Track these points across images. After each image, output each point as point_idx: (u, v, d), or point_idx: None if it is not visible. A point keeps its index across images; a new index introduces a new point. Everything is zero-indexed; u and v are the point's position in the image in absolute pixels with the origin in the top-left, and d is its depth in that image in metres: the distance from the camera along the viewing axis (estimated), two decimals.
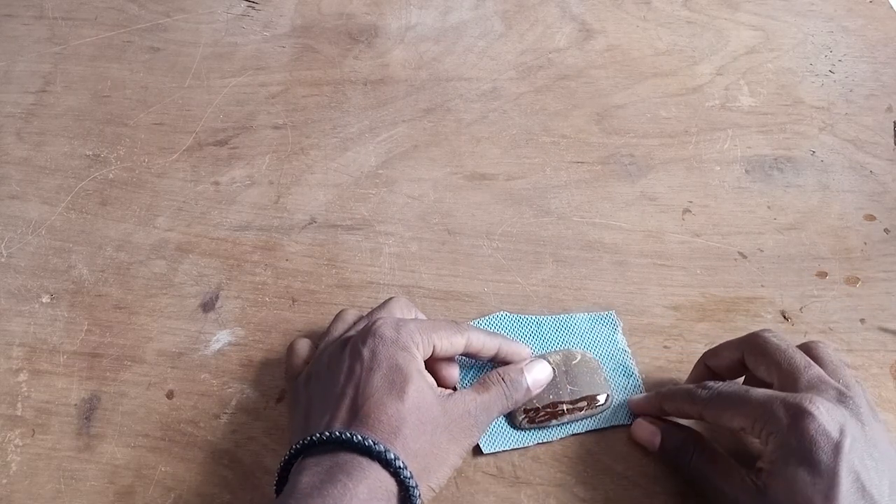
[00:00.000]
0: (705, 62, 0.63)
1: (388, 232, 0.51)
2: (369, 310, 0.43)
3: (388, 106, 0.59)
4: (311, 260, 0.50)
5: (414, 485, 0.34)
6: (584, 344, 0.45)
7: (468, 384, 0.43)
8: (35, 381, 0.45)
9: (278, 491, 0.36)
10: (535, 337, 0.45)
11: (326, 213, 0.52)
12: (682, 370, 0.44)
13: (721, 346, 0.41)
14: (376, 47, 0.64)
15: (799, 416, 0.33)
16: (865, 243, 0.51)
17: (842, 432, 0.33)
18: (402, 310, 0.42)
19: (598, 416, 0.42)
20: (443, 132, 0.58)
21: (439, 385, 0.40)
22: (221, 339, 0.46)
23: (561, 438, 0.42)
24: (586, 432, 0.42)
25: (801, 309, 0.47)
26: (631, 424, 0.42)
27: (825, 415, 0.33)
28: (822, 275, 0.49)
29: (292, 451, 0.35)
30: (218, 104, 0.59)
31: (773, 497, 0.33)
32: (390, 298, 0.43)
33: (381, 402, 0.35)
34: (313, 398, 0.38)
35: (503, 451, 0.41)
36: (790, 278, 0.49)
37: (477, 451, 0.41)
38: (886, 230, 0.52)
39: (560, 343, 0.45)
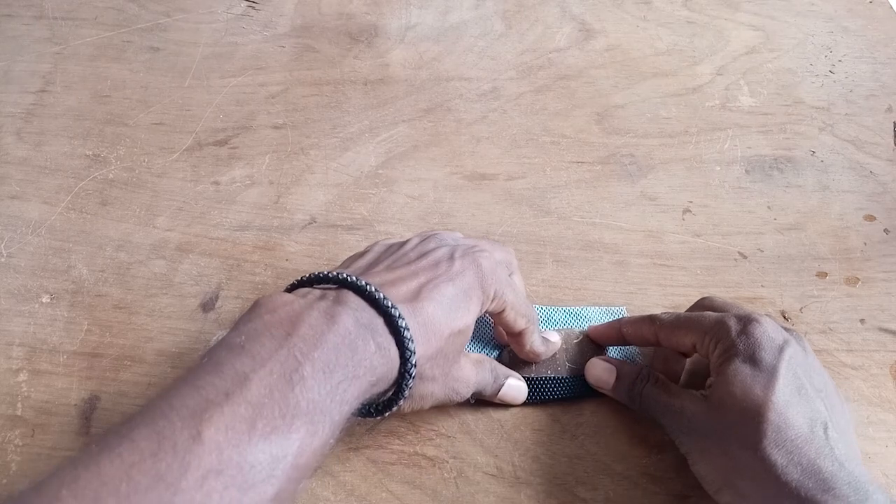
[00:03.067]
0: (705, 62, 0.63)
1: (389, 232, 0.51)
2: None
3: (388, 106, 0.59)
4: (312, 260, 0.50)
5: (402, 399, 0.33)
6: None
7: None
8: (35, 381, 0.45)
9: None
10: (543, 324, 0.46)
11: (326, 212, 0.52)
12: None
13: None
14: (376, 47, 0.64)
15: (748, 322, 0.37)
16: (865, 243, 0.51)
17: (785, 341, 0.36)
18: (506, 257, 0.42)
19: (585, 384, 0.43)
20: (443, 132, 0.58)
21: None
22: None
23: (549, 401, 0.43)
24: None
25: (801, 309, 0.47)
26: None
27: (771, 325, 0.37)
28: (822, 275, 0.49)
29: (340, 276, 0.33)
30: (218, 104, 0.59)
31: (716, 395, 0.35)
32: (504, 244, 0.44)
33: (437, 312, 0.34)
34: (383, 257, 0.38)
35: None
36: (790, 278, 0.49)
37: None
38: (886, 230, 0.52)
39: None
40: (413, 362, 0.32)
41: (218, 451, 0.24)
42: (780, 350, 0.35)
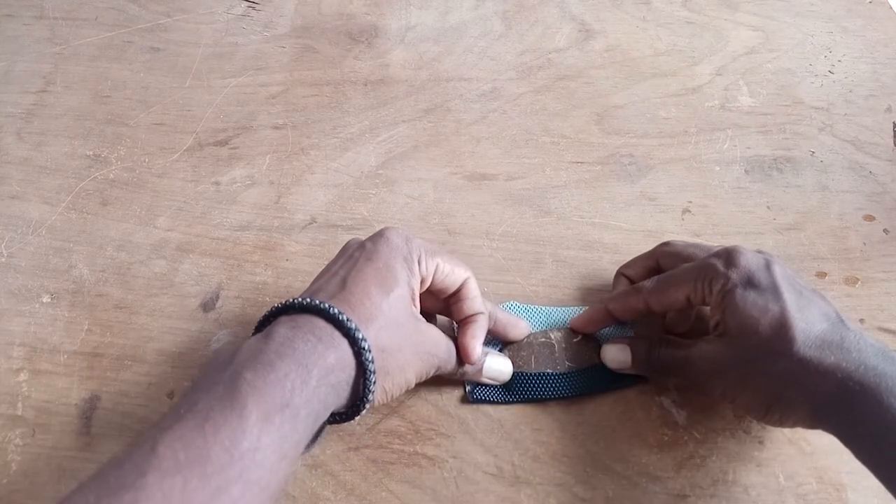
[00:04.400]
0: (705, 62, 0.63)
1: None
2: None
3: (388, 106, 0.59)
4: (312, 260, 0.50)
5: (372, 370, 0.35)
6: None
7: None
8: (35, 380, 0.45)
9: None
10: (543, 324, 0.46)
11: (327, 213, 0.52)
12: None
13: (634, 258, 0.46)
14: (376, 47, 0.64)
15: (730, 255, 0.39)
16: (865, 244, 0.51)
17: (768, 260, 0.39)
18: (420, 241, 0.43)
19: (585, 379, 0.43)
20: (443, 132, 0.58)
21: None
22: (222, 338, 0.46)
23: (547, 400, 0.43)
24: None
25: None
26: (623, 385, 0.44)
27: (751, 252, 0.39)
28: (822, 275, 0.49)
29: (274, 308, 0.36)
30: (218, 104, 0.59)
31: (733, 326, 0.37)
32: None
33: (367, 289, 0.36)
34: (317, 276, 0.40)
35: (488, 403, 0.43)
36: None
37: (463, 399, 0.43)
38: (886, 230, 0.52)
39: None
40: (359, 336, 0.34)
41: (173, 457, 0.27)
42: (769, 268, 0.38)
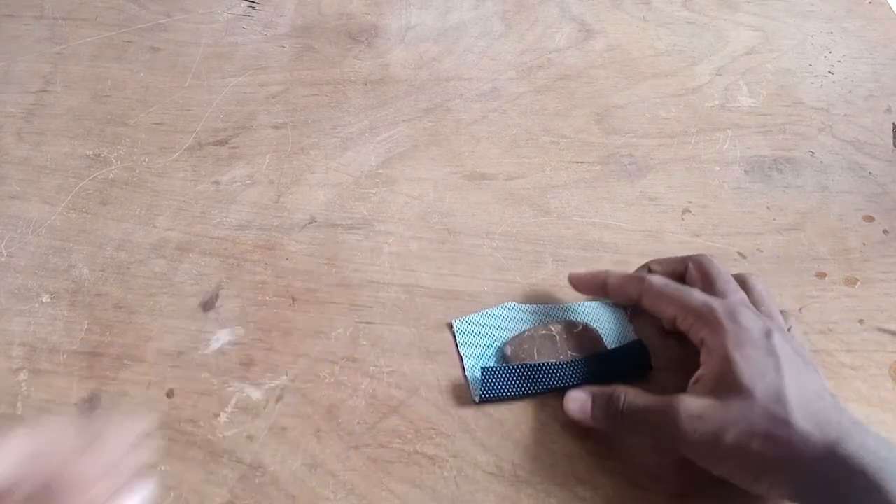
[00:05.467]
0: (705, 62, 0.63)
1: (389, 231, 0.51)
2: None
3: (388, 106, 0.59)
4: (312, 259, 0.50)
5: None
6: (589, 321, 0.46)
7: (490, 357, 0.45)
8: (35, 380, 0.45)
9: None
10: (542, 321, 0.46)
11: (326, 212, 0.52)
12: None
13: (668, 258, 0.45)
14: (376, 47, 0.64)
15: (733, 313, 0.38)
16: (864, 244, 0.51)
17: (769, 328, 0.37)
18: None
19: (590, 367, 0.43)
20: (443, 132, 0.58)
21: None
22: (221, 338, 0.46)
23: (555, 390, 0.43)
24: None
25: (800, 309, 0.47)
26: (631, 372, 0.43)
27: (753, 313, 0.38)
28: (822, 275, 0.49)
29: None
30: (218, 104, 0.59)
31: (724, 388, 0.35)
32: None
33: None
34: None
35: (496, 401, 0.43)
36: (789, 279, 0.49)
37: (466, 399, 0.43)
38: (885, 231, 0.52)
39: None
40: None
41: None
42: (769, 336, 0.37)
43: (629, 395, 0.39)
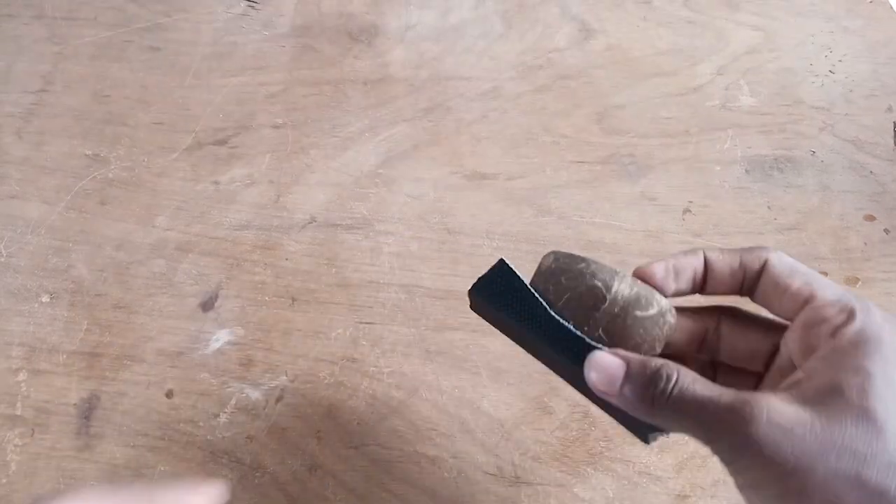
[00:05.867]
0: (706, 62, 0.63)
1: (388, 231, 0.51)
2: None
3: (388, 105, 0.59)
4: (311, 259, 0.50)
5: None
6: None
7: None
8: (34, 380, 0.44)
9: None
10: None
11: (326, 212, 0.52)
12: None
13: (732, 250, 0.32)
14: (376, 47, 0.64)
15: (883, 317, 0.27)
16: (865, 243, 0.51)
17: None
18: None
19: None
20: (443, 132, 0.58)
21: None
22: (221, 338, 0.46)
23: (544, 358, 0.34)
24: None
25: None
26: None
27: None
28: (822, 275, 0.49)
29: None
30: (218, 103, 0.59)
31: (834, 397, 0.24)
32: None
33: None
34: None
35: (486, 313, 0.35)
36: None
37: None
38: (886, 230, 0.51)
39: None
40: None
41: None
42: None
43: (683, 376, 0.27)
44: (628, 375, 0.28)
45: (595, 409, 0.42)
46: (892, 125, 0.58)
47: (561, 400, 0.43)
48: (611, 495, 0.40)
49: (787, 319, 0.30)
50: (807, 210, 0.53)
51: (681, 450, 0.41)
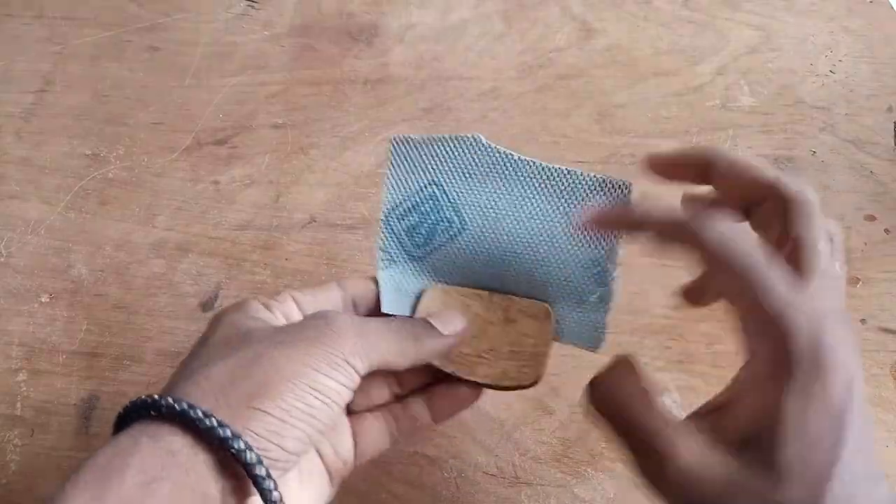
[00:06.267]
0: (706, 62, 0.63)
1: None
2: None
3: (388, 105, 0.59)
4: (311, 259, 0.50)
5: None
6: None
7: None
8: (34, 380, 0.44)
9: None
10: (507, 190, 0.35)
11: (326, 212, 0.52)
12: (683, 370, 0.44)
13: (746, 164, 0.31)
14: (376, 46, 0.64)
15: (819, 336, 0.24)
16: (866, 243, 0.51)
17: (855, 371, 0.25)
18: None
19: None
20: (443, 131, 0.57)
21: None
22: None
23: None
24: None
25: None
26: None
27: (845, 345, 0.25)
28: None
29: None
30: (217, 103, 0.59)
31: (754, 446, 0.24)
32: None
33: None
34: None
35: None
36: None
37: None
38: (887, 230, 0.51)
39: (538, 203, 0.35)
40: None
41: None
42: (850, 387, 0.24)
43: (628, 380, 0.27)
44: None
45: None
46: (893, 125, 0.58)
47: (561, 400, 0.43)
48: (611, 496, 0.40)
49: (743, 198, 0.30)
50: None
51: None
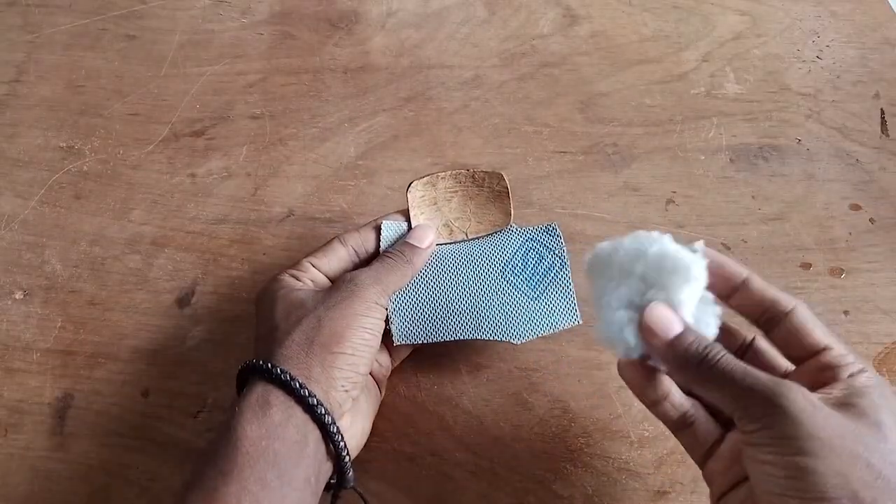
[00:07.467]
0: (691, 48, 0.62)
1: None
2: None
3: (369, 94, 0.58)
4: (289, 254, 0.49)
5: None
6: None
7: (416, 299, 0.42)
8: (7, 379, 0.44)
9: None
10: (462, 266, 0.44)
11: (305, 205, 0.51)
12: None
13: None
14: (356, 34, 0.63)
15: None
16: (850, 233, 0.50)
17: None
18: None
19: (533, 320, 0.41)
20: (424, 121, 0.57)
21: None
22: (197, 335, 0.45)
23: (486, 339, 0.41)
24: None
25: None
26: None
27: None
28: (806, 266, 0.49)
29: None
30: (195, 93, 0.58)
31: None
32: None
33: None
34: None
35: (416, 343, 0.41)
36: (774, 270, 0.48)
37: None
38: (872, 220, 0.51)
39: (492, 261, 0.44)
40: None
41: None
42: None
43: (727, 355, 0.31)
44: (686, 332, 0.32)
45: (574, 405, 0.42)
46: (880, 112, 0.57)
47: (540, 396, 0.43)
48: (590, 492, 0.39)
49: (793, 362, 0.34)
50: (791, 199, 0.52)
51: (660, 446, 0.41)
